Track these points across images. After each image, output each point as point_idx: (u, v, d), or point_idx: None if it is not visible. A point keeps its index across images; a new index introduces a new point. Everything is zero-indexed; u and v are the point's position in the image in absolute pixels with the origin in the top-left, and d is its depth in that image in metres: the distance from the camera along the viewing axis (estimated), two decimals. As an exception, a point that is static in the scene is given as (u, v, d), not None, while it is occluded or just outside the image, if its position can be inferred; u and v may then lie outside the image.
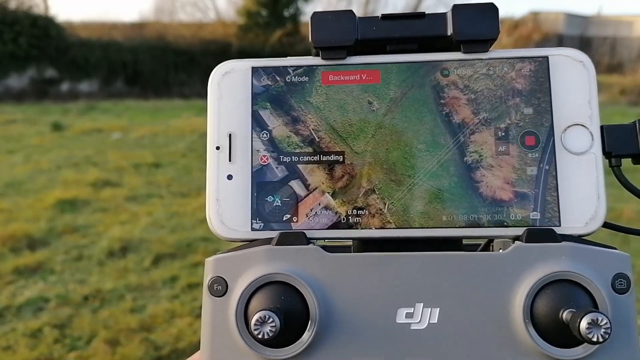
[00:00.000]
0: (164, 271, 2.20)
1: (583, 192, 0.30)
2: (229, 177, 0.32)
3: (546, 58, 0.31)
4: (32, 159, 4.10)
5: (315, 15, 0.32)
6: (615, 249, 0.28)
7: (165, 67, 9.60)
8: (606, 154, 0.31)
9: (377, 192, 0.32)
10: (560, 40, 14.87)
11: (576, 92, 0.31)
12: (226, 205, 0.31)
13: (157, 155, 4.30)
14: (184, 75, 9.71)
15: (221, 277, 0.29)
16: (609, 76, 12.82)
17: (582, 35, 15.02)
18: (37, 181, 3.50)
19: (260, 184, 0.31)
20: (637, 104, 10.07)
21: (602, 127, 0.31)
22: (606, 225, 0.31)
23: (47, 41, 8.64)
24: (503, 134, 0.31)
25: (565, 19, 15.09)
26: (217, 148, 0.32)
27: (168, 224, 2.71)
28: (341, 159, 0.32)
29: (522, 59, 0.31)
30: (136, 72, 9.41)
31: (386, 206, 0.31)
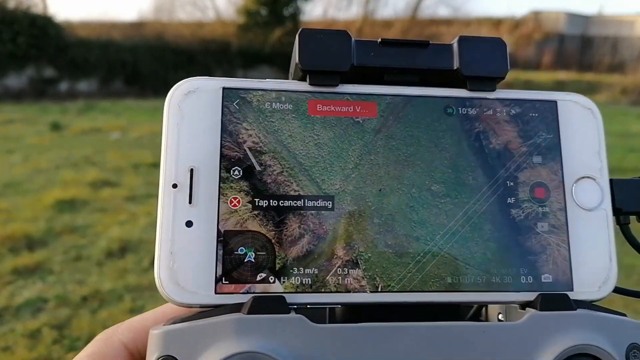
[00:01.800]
0: (163, 271, 2.19)
1: (595, 253, 0.27)
2: (189, 223, 0.25)
3: (554, 103, 0.29)
4: (30, 159, 4.09)
5: (305, 33, 0.27)
6: (625, 315, 0.26)
7: (164, 66, 9.59)
8: (615, 210, 0.28)
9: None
10: (561, 40, 14.88)
11: (585, 141, 0.28)
12: (183, 260, 0.24)
13: (156, 155, 4.29)
14: (184, 74, 9.48)
15: (172, 357, 0.22)
16: (610, 76, 12.83)
17: (583, 35, 15.03)
18: (35, 181, 3.49)
19: (230, 234, 0.25)
20: (638, 103, 10.07)
21: (611, 181, 0.28)
22: (617, 290, 0.29)
23: (45, 41, 8.62)
24: (512, 183, 0.27)
25: (566, 19, 15.09)
26: (174, 186, 0.25)
27: (167, 224, 2.70)
28: (304, 206, 0.25)
29: (530, 101, 0.29)
30: (135, 72, 9.40)
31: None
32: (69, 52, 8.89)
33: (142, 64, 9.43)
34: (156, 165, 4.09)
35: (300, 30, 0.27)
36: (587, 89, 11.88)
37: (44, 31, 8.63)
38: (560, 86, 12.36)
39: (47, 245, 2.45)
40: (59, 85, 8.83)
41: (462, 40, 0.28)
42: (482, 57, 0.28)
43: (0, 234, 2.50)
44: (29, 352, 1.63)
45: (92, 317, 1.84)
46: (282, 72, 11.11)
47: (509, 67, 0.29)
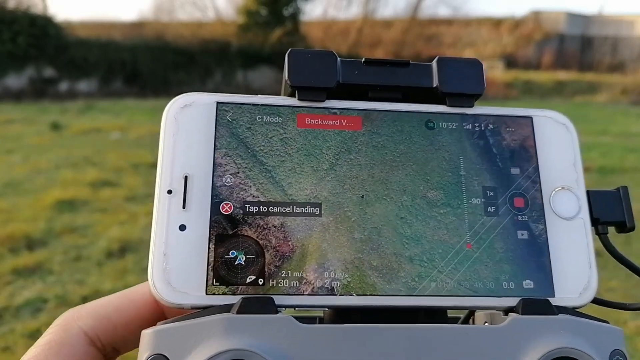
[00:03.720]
0: (163, 271, 2.19)
1: (575, 260, 0.28)
2: (182, 227, 0.26)
3: (530, 118, 0.30)
4: (30, 159, 4.08)
5: (294, 53, 0.29)
6: (607, 322, 0.27)
7: (164, 66, 9.57)
8: (593, 220, 0.29)
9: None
10: (561, 40, 14.88)
11: (561, 154, 0.30)
12: (176, 262, 0.25)
13: (156, 155, 4.27)
14: (183, 74, 9.67)
15: (163, 356, 0.23)
16: (610, 76, 12.82)
17: (583, 35, 15.02)
18: (35, 181, 3.49)
19: (221, 237, 0.26)
20: (638, 103, 10.07)
21: (587, 192, 0.30)
22: (596, 301, 0.29)
23: (45, 40, 8.62)
24: (492, 193, 0.29)
25: (567, 19, 15.09)
26: (169, 192, 0.26)
27: (167, 224, 2.70)
28: (292, 212, 0.27)
29: (507, 117, 0.30)
30: (135, 72, 9.39)
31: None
32: (69, 52, 8.89)
33: (142, 64, 9.43)
34: (156, 166, 4.06)
35: (289, 50, 0.29)
36: (587, 89, 11.87)
37: (43, 31, 8.63)
38: (560, 86, 12.35)
39: (47, 245, 2.44)
40: (58, 85, 8.83)
41: (441, 60, 0.30)
42: (459, 75, 0.30)
43: (0, 234, 2.50)
44: (28, 352, 1.63)
45: (92, 317, 1.84)
46: (282, 72, 11.06)
47: (485, 85, 0.30)
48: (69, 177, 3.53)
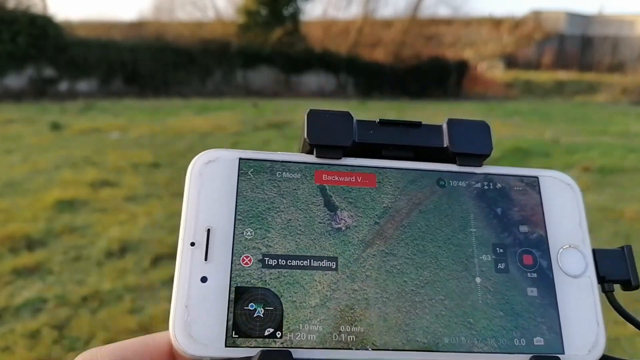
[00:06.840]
0: (162, 272, 2.19)
1: (583, 317, 0.29)
2: (204, 279, 0.27)
3: (536, 178, 0.32)
4: (30, 159, 4.08)
5: (313, 113, 0.31)
6: None
7: (164, 66, 9.56)
8: (599, 278, 0.30)
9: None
10: (561, 40, 14.87)
11: (567, 214, 0.31)
12: (197, 313, 0.26)
13: (156, 155, 4.29)
14: (183, 74, 9.67)
15: None
16: (611, 75, 12.82)
17: (583, 35, 15.02)
18: (35, 181, 3.48)
19: (241, 290, 0.27)
20: (638, 103, 10.07)
21: (593, 251, 0.31)
22: (604, 358, 0.30)
23: (45, 40, 8.61)
24: (502, 250, 0.30)
25: (567, 18, 15.08)
26: (192, 244, 0.28)
27: (167, 224, 2.70)
28: (310, 266, 0.28)
29: (514, 176, 0.32)
30: (135, 72, 9.38)
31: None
32: (69, 52, 8.88)
33: (142, 64, 9.42)
34: (156, 165, 4.09)
35: (308, 110, 0.31)
36: (587, 89, 11.87)
37: (43, 31, 8.63)
38: (560, 86, 12.35)
39: (47, 246, 2.44)
40: (58, 85, 8.82)
41: (451, 122, 0.32)
42: (468, 136, 0.32)
43: (0, 234, 2.50)
44: (29, 352, 1.63)
45: (92, 317, 1.84)
46: (282, 72, 11.10)
47: (492, 147, 0.32)
48: (69, 177, 3.53)
